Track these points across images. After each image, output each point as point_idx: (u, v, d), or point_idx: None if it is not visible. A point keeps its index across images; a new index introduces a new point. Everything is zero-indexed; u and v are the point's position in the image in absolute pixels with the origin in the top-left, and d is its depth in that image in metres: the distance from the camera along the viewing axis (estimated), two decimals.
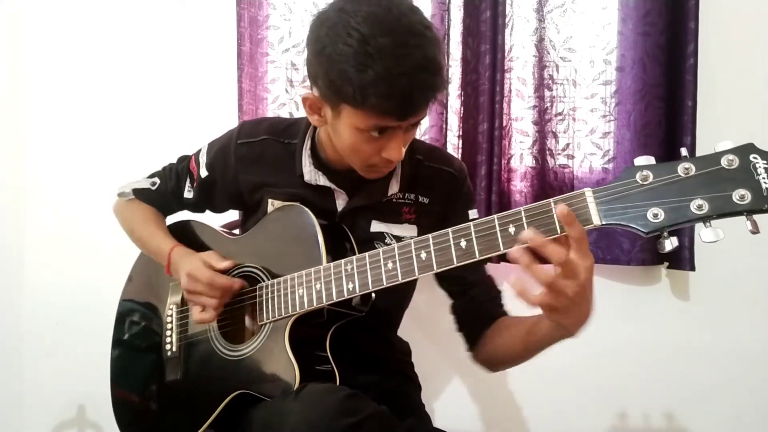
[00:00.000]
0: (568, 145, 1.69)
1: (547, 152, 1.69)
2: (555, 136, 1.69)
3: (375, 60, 0.86)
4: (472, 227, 0.84)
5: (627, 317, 1.73)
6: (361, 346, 1.13)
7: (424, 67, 0.88)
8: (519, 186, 1.70)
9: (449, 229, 0.87)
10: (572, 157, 1.69)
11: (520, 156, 1.71)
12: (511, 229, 0.81)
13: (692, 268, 1.61)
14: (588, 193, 0.77)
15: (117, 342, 1.29)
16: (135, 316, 1.29)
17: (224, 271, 1.11)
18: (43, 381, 1.89)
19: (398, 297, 1.22)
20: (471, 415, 1.79)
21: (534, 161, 1.70)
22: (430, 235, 0.88)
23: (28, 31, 1.87)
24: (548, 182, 1.69)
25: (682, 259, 1.61)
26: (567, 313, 0.85)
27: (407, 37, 0.88)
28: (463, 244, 0.85)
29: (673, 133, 1.62)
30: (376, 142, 0.97)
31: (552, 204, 0.79)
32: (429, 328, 1.66)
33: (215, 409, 1.06)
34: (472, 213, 1.16)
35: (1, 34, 1.84)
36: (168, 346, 1.19)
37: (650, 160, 0.74)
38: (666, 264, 1.68)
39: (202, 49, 1.82)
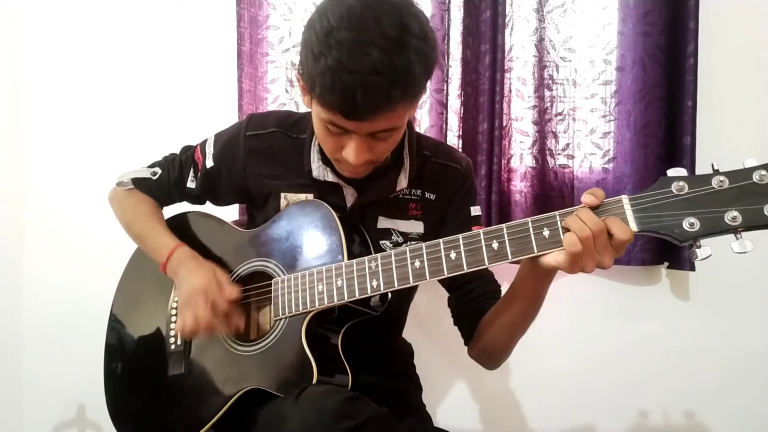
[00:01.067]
0: (568, 145, 1.70)
1: (547, 152, 1.70)
2: (555, 136, 1.70)
3: (331, 51, 0.85)
4: (504, 229, 0.85)
5: (627, 317, 1.73)
6: (364, 347, 1.12)
7: (380, 71, 0.84)
8: (519, 186, 1.70)
9: (480, 230, 0.87)
10: (572, 157, 1.70)
11: (520, 156, 1.71)
12: (546, 233, 0.83)
13: (692, 268, 1.62)
14: (625, 200, 0.79)
15: (114, 336, 1.26)
16: (134, 310, 1.26)
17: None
18: (43, 381, 1.89)
19: (403, 298, 1.22)
20: (472, 416, 1.79)
21: (534, 161, 1.70)
22: (460, 236, 0.88)
23: (28, 31, 1.86)
24: (548, 182, 1.69)
25: (682, 259, 1.62)
26: (572, 264, 0.83)
27: (375, 36, 0.84)
28: (495, 245, 0.85)
29: (673, 133, 1.63)
30: (337, 139, 0.96)
31: (588, 210, 0.80)
32: (430, 330, 1.66)
33: (223, 405, 1.04)
34: (474, 209, 1.16)
35: (3, 34, 1.84)
36: (172, 339, 1.17)
37: (682, 171, 0.77)
38: (666, 264, 1.69)
39: (202, 49, 1.81)
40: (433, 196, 1.14)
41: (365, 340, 1.11)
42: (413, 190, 1.13)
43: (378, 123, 0.91)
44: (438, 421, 1.61)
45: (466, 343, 1.14)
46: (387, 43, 0.85)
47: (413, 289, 1.22)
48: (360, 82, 0.84)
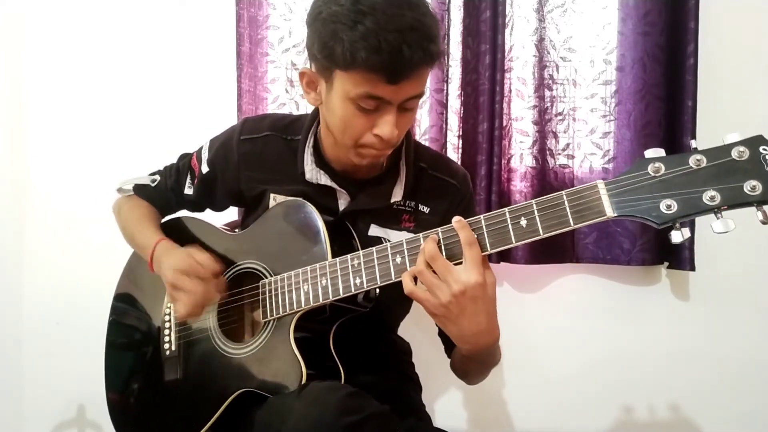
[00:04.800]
0: (568, 145, 1.69)
1: (547, 152, 1.69)
2: (555, 136, 1.69)
3: (366, 16, 0.87)
4: (482, 220, 0.85)
5: (627, 317, 1.73)
6: (362, 345, 1.13)
7: (416, 27, 0.88)
8: (519, 186, 1.70)
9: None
10: (572, 157, 1.70)
11: (520, 156, 1.71)
12: (523, 222, 0.82)
13: (692, 268, 1.61)
14: (600, 185, 0.77)
15: (112, 342, 1.27)
16: (130, 315, 1.27)
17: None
18: (43, 381, 1.89)
19: (401, 298, 1.21)
20: (471, 416, 1.79)
21: (534, 161, 1.69)
22: (439, 229, 0.88)
23: (29, 30, 1.87)
24: (548, 182, 1.69)
25: (682, 259, 1.61)
26: (445, 320, 0.87)
27: (401, 1, 0.89)
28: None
29: (673, 133, 1.62)
30: (368, 117, 0.96)
31: (564, 196, 0.79)
32: (429, 329, 1.65)
33: (218, 408, 1.04)
34: None
35: (3, 33, 1.84)
36: (167, 345, 1.17)
37: (660, 152, 0.75)
38: (666, 264, 1.69)
39: (201, 49, 1.81)
40: (426, 209, 1.14)
41: (361, 339, 1.11)
42: (408, 202, 1.13)
43: (412, 86, 0.94)
44: (437, 421, 1.61)
45: (447, 355, 1.13)
46: (411, 4, 0.89)
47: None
48: (404, 38, 0.87)
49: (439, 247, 0.87)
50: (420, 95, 0.98)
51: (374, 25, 0.86)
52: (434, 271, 0.86)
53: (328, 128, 1.06)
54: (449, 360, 1.12)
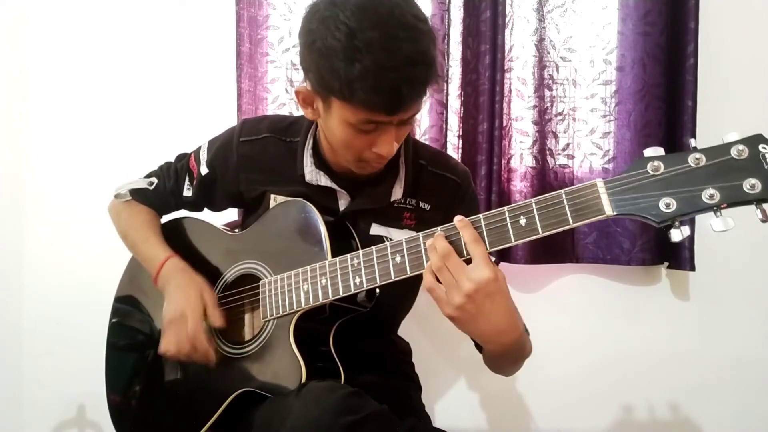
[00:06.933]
0: (568, 145, 1.69)
1: (547, 152, 1.69)
2: (555, 136, 1.69)
3: (363, 53, 0.85)
4: (482, 219, 0.84)
5: (627, 317, 1.73)
6: (362, 345, 1.12)
7: (414, 60, 0.87)
8: (519, 186, 1.70)
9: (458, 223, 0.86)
10: (572, 157, 1.70)
11: (520, 156, 1.71)
12: (522, 221, 0.82)
13: (692, 268, 1.61)
14: (600, 183, 0.77)
15: (113, 343, 1.27)
16: (131, 315, 1.27)
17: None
18: (43, 381, 1.89)
19: (401, 298, 1.22)
20: (471, 415, 1.79)
21: (534, 161, 1.69)
22: (438, 228, 0.88)
23: (30, 30, 1.87)
24: (548, 182, 1.69)
25: (682, 259, 1.61)
26: (464, 322, 0.85)
27: (397, 29, 0.86)
28: None
29: (673, 133, 1.62)
30: (367, 137, 0.96)
31: (563, 195, 0.79)
32: (429, 329, 1.66)
33: (218, 408, 1.04)
34: None
35: (3, 33, 1.84)
36: None
37: (659, 151, 0.74)
38: (666, 264, 1.69)
39: (201, 50, 1.82)
40: (427, 206, 1.13)
41: (361, 338, 1.10)
42: (408, 199, 1.13)
43: (410, 111, 0.94)
44: (437, 421, 1.61)
45: (478, 351, 1.13)
46: (408, 33, 0.87)
47: (412, 288, 1.22)
48: (402, 77, 0.87)
49: None
50: (418, 112, 0.98)
51: (372, 64, 0.85)
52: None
53: (326, 140, 1.06)
54: (481, 355, 1.09)
